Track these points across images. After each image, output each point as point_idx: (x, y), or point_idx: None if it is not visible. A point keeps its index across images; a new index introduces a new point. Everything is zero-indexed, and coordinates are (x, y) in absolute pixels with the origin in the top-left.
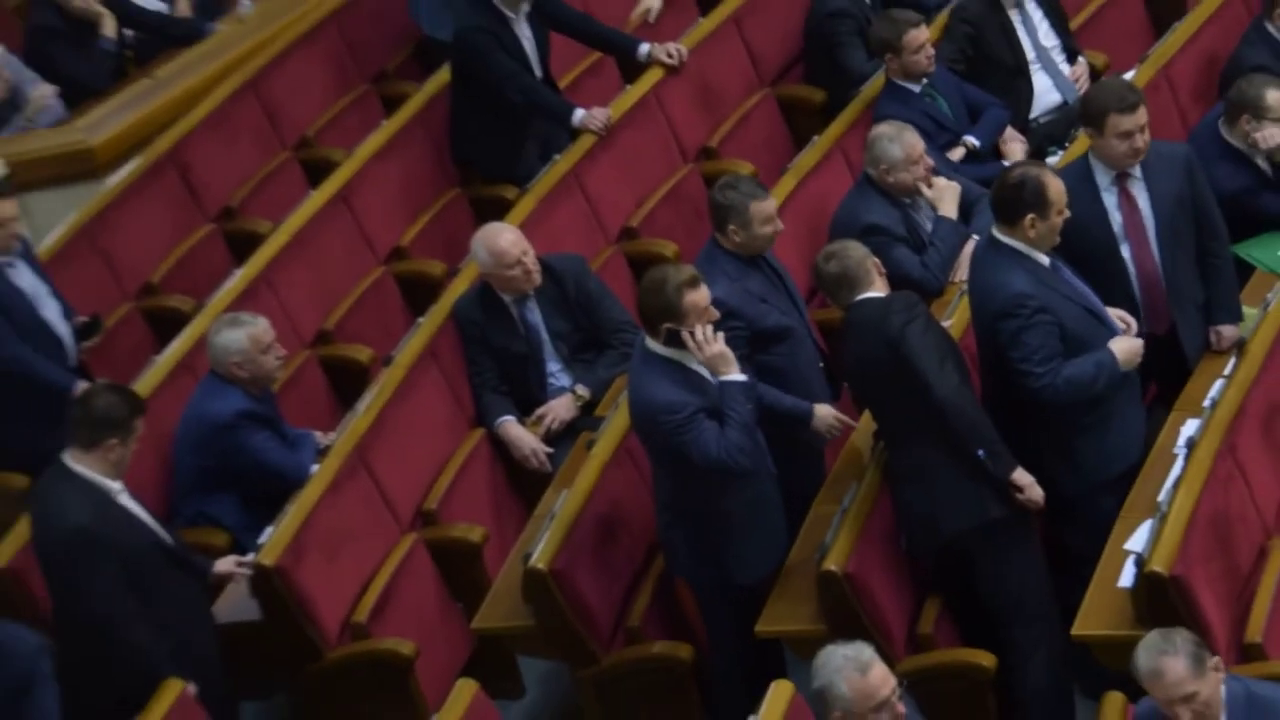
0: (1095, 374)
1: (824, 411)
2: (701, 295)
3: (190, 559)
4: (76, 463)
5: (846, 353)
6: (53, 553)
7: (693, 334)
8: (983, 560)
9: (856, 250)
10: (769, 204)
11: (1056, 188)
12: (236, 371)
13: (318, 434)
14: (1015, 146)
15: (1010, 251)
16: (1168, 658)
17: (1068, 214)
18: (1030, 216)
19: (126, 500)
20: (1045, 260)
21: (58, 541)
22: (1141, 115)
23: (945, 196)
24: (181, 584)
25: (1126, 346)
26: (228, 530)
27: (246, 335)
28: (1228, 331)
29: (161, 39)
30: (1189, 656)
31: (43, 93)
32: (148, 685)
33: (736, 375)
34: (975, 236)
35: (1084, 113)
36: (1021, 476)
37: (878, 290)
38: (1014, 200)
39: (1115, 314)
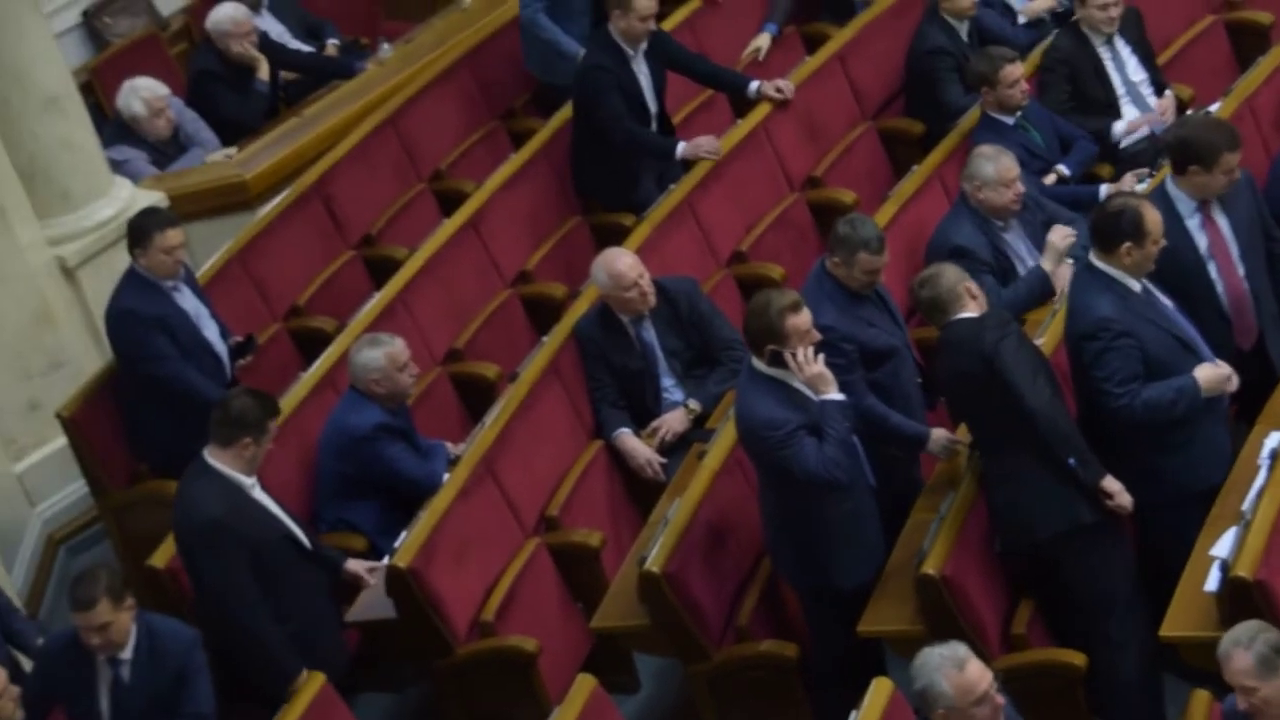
0: (1175, 399)
1: (939, 434)
2: (803, 319)
3: (321, 553)
4: (214, 459)
5: (942, 369)
6: (188, 542)
7: (794, 355)
8: (1074, 561)
9: (949, 276)
10: (878, 260)
11: (1154, 219)
12: (374, 388)
13: (448, 445)
14: (1129, 179)
15: (1104, 276)
16: (1240, 649)
17: (1164, 243)
18: (1127, 244)
19: (259, 494)
20: (1137, 287)
21: (192, 532)
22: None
23: (1051, 251)
24: (310, 576)
25: (1211, 375)
26: (364, 534)
27: (384, 354)
28: None
29: (316, 77)
30: (1259, 657)
31: (228, 153)
32: (271, 675)
33: (835, 395)
34: (1070, 261)
35: (1192, 151)
36: (1110, 483)
37: (970, 311)
38: (1112, 229)
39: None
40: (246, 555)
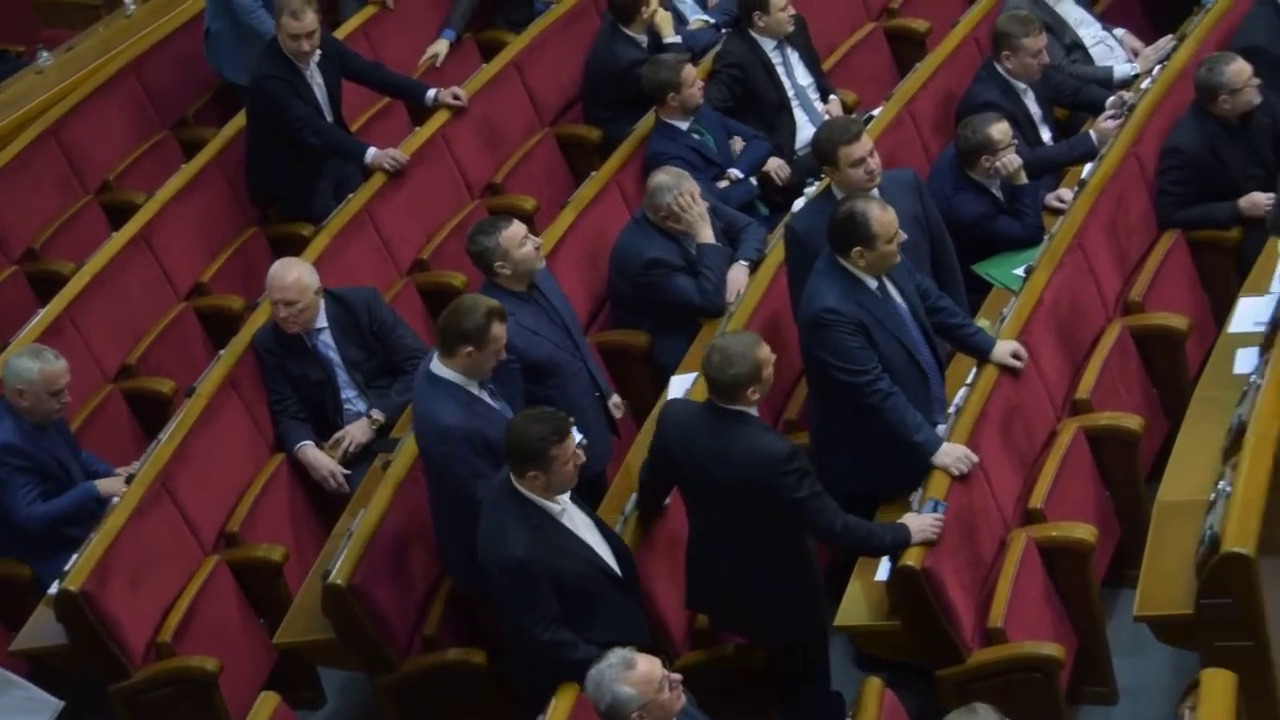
0: (916, 428)
1: None
2: (504, 331)
3: (631, 579)
4: (518, 483)
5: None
6: (493, 578)
7: None
8: None
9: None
10: (515, 228)
11: (882, 220)
12: (18, 399)
13: (118, 469)
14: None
15: (841, 269)
16: None
17: (903, 237)
18: (858, 248)
19: (568, 520)
20: (874, 284)
21: (495, 569)
22: (866, 142)
23: (698, 224)
24: (620, 604)
25: (956, 453)
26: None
27: (40, 371)
28: None
29: None
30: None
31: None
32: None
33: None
34: (742, 262)
35: (817, 152)
36: None
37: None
38: (843, 233)
39: (1010, 347)
40: (550, 587)
